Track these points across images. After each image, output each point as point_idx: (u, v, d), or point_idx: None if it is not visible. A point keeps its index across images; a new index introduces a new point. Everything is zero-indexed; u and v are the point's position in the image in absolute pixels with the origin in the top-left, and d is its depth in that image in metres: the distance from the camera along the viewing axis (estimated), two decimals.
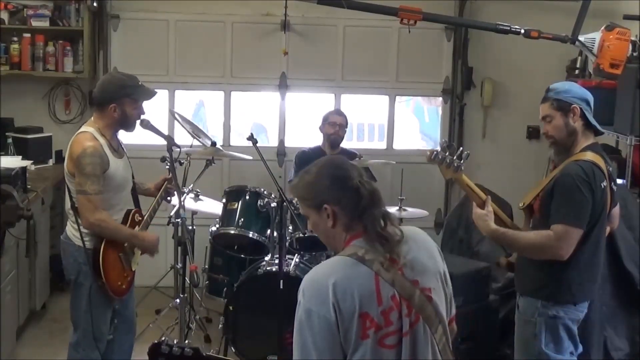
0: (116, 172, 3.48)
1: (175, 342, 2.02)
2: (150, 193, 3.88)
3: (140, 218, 3.69)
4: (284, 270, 4.01)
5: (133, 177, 3.72)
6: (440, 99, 6.17)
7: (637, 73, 4.49)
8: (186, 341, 2.03)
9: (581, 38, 4.55)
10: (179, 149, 3.73)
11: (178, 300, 4.10)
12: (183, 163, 3.88)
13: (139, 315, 4.12)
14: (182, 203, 3.70)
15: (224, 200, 4.61)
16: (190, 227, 4.78)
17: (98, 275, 3.46)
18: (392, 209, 4.95)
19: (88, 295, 3.51)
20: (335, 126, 5.34)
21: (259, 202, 4.51)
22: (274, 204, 4.37)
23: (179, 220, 3.98)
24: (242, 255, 4.66)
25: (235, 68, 5.91)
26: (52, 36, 5.59)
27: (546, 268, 3.06)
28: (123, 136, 3.64)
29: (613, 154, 5.09)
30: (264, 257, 4.48)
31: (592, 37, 4.50)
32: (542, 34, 4.63)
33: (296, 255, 4.52)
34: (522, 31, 4.63)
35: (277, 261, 4.07)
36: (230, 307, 4.31)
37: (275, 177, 4.09)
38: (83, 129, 3.50)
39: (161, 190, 3.83)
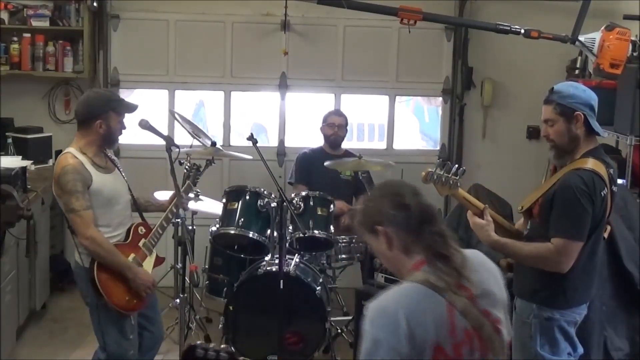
0: (102, 188, 3.45)
1: (211, 345, 1.91)
2: (164, 208, 3.81)
3: (145, 230, 3.65)
4: (284, 270, 4.00)
5: (132, 193, 3.68)
6: (440, 99, 6.17)
7: (637, 73, 4.49)
8: (222, 346, 1.94)
9: (581, 38, 4.56)
10: (178, 149, 3.73)
11: (178, 300, 4.09)
12: (183, 163, 3.86)
13: None
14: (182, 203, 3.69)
15: (224, 200, 4.61)
16: (190, 227, 4.79)
17: (98, 293, 3.42)
18: None
19: (97, 313, 3.50)
20: (334, 127, 5.34)
21: (259, 202, 4.51)
22: (274, 204, 4.37)
23: (179, 220, 3.97)
24: (242, 255, 4.66)
25: (235, 68, 5.91)
26: (52, 36, 5.59)
27: (542, 273, 3.06)
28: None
29: (613, 154, 5.09)
30: (264, 257, 4.49)
31: (592, 37, 4.51)
32: (542, 34, 4.63)
33: (296, 255, 4.52)
34: (522, 31, 4.63)
35: (277, 261, 4.07)
36: (230, 307, 4.31)
37: (275, 177, 4.09)
38: (64, 151, 3.49)
39: (172, 203, 3.74)
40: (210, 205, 4.77)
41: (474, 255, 2.05)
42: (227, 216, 4.54)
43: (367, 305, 1.90)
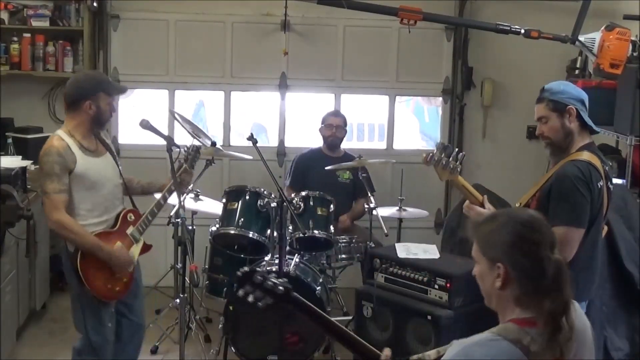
0: (86, 172, 3.41)
1: (270, 275, 1.81)
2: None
3: (134, 218, 3.61)
4: (284, 270, 4.01)
5: (122, 177, 3.65)
6: (440, 99, 6.17)
7: (637, 73, 4.49)
8: (280, 280, 1.85)
9: (581, 38, 4.56)
10: (178, 149, 3.72)
11: (178, 300, 4.09)
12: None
13: None
14: (182, 203, 3.69)
15: (224, 200, 4.61)
16: (190, 227, 4.79)
17: (79, 281, 3.38)
18: (392, 209, 4.96)
19: (78, 300, 3.46)
20: (332, 128, 5.35)
21: (259, 202, 4.51)
22: (274, 204, 4.37)
23: (179, 220, 3.97)
24: (242, 255, 4.66)
25: (235, 68, 5.91)
26: (52, 36, 5.59)
27: None
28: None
29: (613, 154, 5.09)
30: (264, 257, 4.49)
31: (592, 37, 4.51)
32: (542, 34, 4.63)
33: (296, 255, 4.52)
34: (522, 31, 4.63)
35: (277, 261, 4.07)
36: (230, 307, 4.31)
37: (275, 177, 4.09)
38: (53, 133, 3.47)
39: (168, 186, 3.68)
40: (210, 205, 4.77)
41: (579, 321, 1.87)
42: (227, 216, 4.54)
43: (455, 342, 1.81)
